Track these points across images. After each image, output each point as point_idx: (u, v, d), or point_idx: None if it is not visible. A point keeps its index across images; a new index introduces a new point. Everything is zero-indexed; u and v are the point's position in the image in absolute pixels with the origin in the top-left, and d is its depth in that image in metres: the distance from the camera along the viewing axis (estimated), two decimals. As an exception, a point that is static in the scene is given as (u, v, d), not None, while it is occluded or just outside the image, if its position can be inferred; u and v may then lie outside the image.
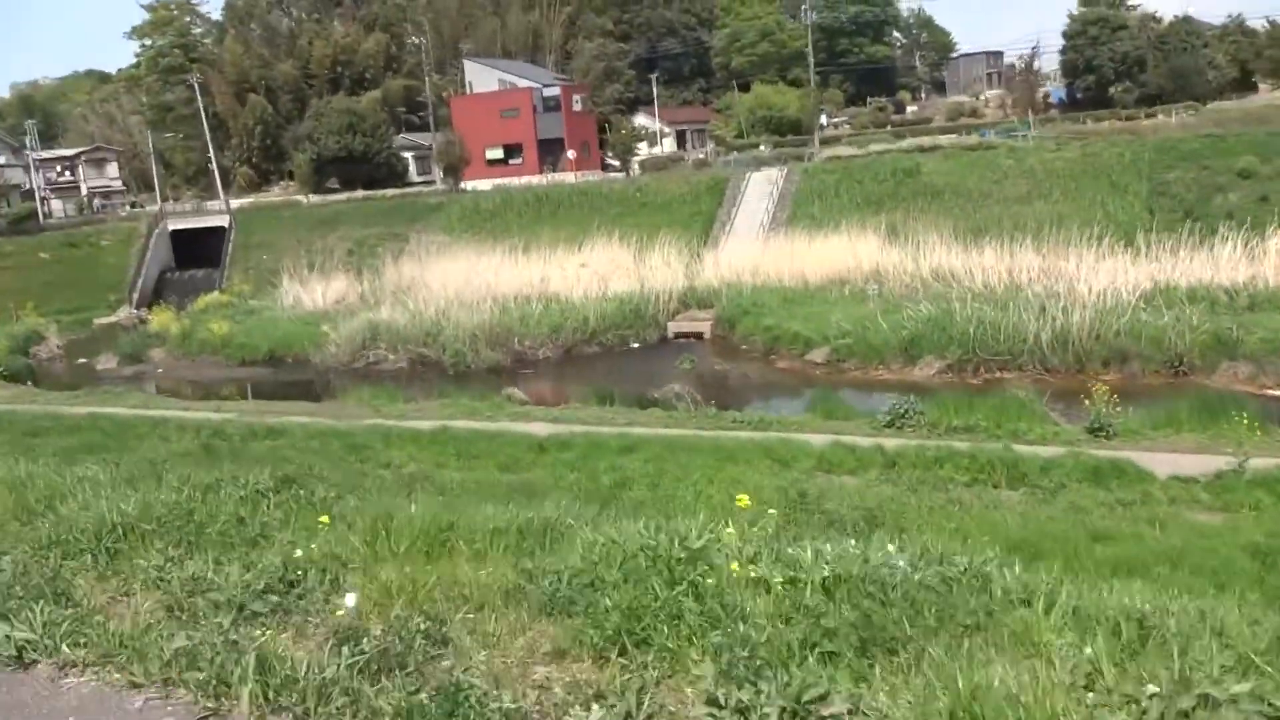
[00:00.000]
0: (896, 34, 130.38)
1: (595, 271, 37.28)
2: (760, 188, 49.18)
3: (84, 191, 74.21)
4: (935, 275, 33.59)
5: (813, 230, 42.07)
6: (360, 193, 58.59)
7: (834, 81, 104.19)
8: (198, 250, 59.55)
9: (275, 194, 69.48)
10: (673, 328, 32.56)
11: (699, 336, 31.93)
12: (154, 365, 36.83)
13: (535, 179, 58.50)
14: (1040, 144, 46.68)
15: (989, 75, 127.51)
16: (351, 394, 28.03)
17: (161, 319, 40.45)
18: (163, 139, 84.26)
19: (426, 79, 64.59)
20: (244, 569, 4.28)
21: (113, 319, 51.08)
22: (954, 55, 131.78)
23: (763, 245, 42.58)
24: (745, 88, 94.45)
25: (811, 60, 66.50)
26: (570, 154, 58.23)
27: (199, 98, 70.20)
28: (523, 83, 64.76)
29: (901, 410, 18.60)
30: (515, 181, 56.38)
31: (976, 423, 18.34)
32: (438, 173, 66.18)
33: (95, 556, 4.80)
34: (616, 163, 66.05)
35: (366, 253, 52.22)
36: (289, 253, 55.47)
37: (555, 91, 62.89)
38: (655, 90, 70.98)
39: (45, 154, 69.48)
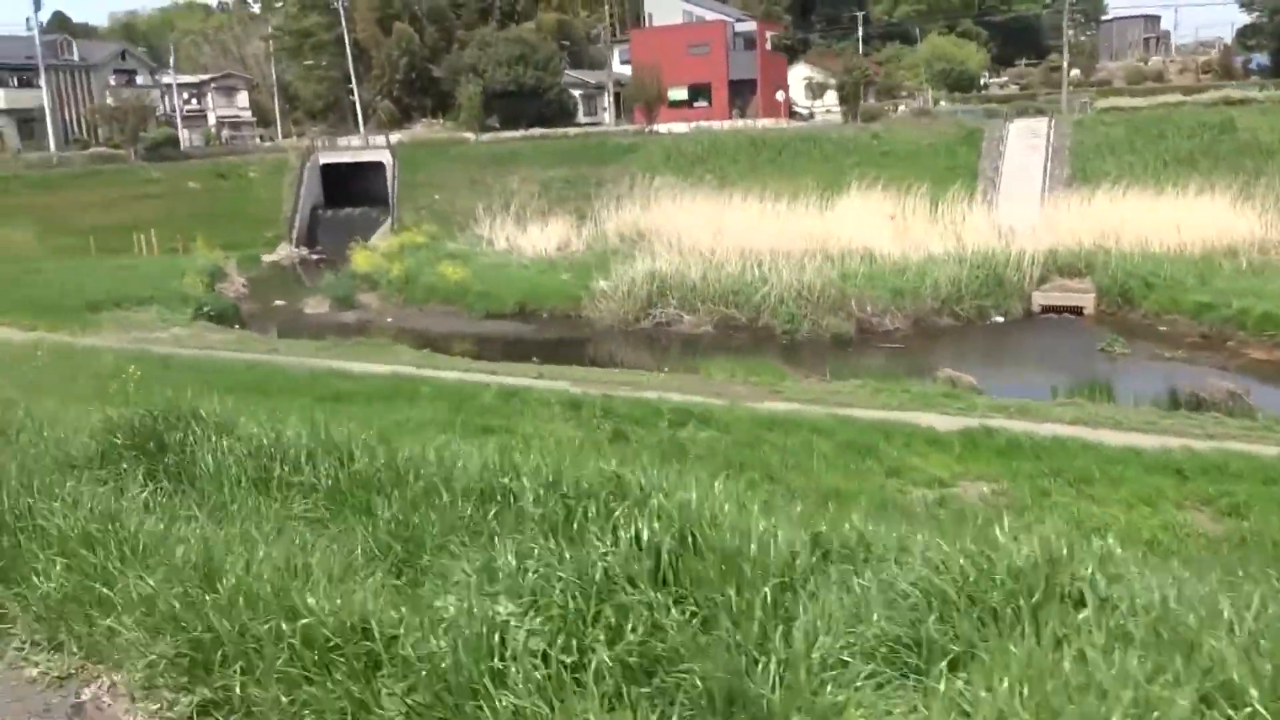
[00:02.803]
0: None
1: (900, 226, 31.09)
2: (1024, 140, 42.34)
3: (212, 121, 69.14)
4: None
5: (1113, 190, 35.35)
6: (537, 130, 52.57)
7: (979, 39, 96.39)
8: (349, 188, 54.20)
9: (419, 130, 63.73)
10: (1039, 299, 26.22)
11: (1076, 311, 25.59)
12: (372, 312, 31.31)
13: (726, 124, 52.11)
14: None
15: (1146, 40, 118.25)
16: (682, 361, 22.30)
17: (365, 259, 34.92)
18: (285, 71, 79.10)
19: (605, 7, 58.04)
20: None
21: (274, 257, 45.90)
22: (1107, 18, 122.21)
23: (1056, 205, 36.09)
24: (906, 40, 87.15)
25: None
26: (780, 95, 51.58)
27: (342, 23, 64.51)
28: (711, 16, 58.06)
29: None
30: (716, 125, 50.04)
31: None
32: (606, 115, 60.07)
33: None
34: (803, 110, 59.36)
35: (554, 196, 46.28)
36: (462, 193, 49.91)
37: (750, 27, 56.15)
38: (860, 30, 63.79)
39: (175, 79, 64.35)
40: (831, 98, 71.63)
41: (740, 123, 52.77)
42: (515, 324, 28.69)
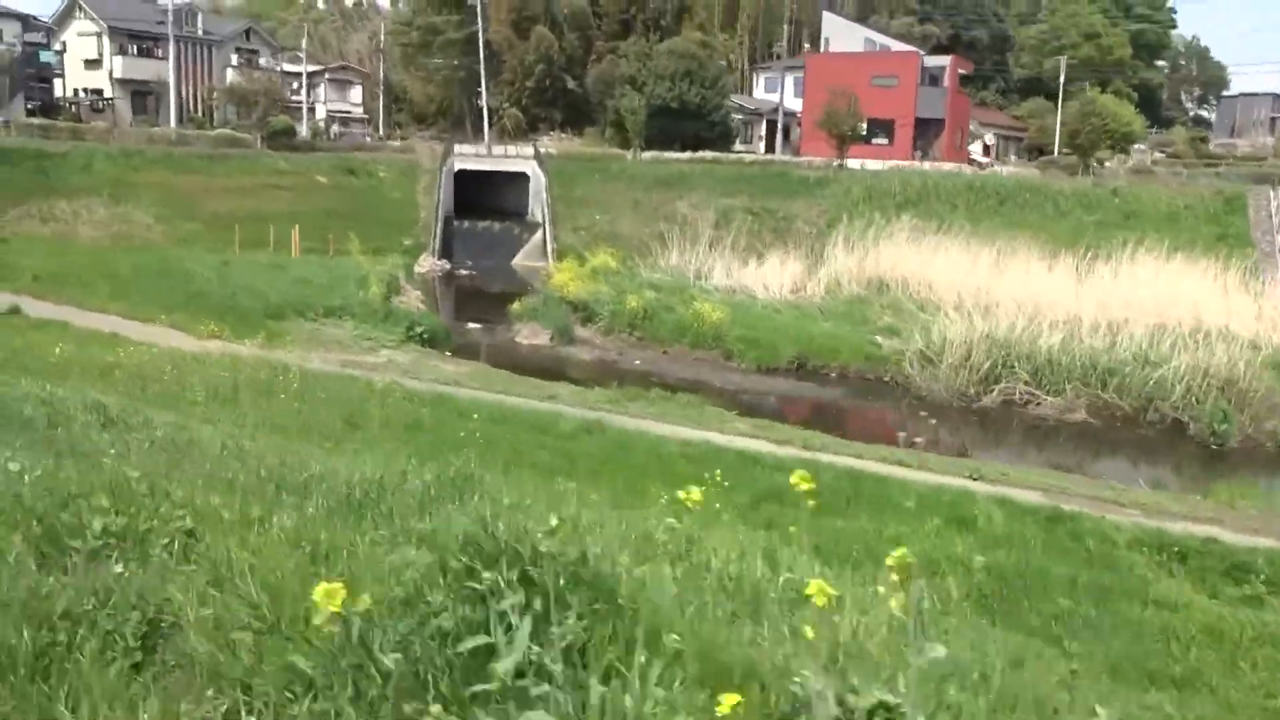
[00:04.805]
0: (1160, 62, 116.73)
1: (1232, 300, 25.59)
2: (1296, 210, 36.97)
3: (321, 114, 64.27)
4: None
5: None
6: (708, 154, 47.52)
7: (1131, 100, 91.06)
8: (481, 198, 49.16)
9: (545, 143, 58.79)
10: None
11: None
12: (604, 350, 25.82)
13: (908, 164, 46.88)
14: None
15: (1274, 120, 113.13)
16: (1074, 460, 16.80)
17: (576, 285, 29.42)
18: (392, 70, 74.58)
19: (785, 26, 53.08)
20: None
21: (421, 269, 40.67)
22: (1229, 94, 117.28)
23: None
24: (1049, 96, 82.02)
25: None
26: (988, 138, 46.29)
27: (478, 21, 59.81)
28: (897, 46, 53.02)
29: None
30: (920, 165, 44.80)
31: None
32: (757, 142, 55.02)
33: None
34: (983, 159, 54.09)
35: (738, 228, 40.96)
36: (625, 215, 44.78)
37: (943, 62, 50.97)
38: (1062, 75, 58.59)
39: (305, 66, 59.59)
40: (976, 148, 66.53)
41: (918, 165, 47.55)
42: (801, 383, 23.17)
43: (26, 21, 47.11)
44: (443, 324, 25.56)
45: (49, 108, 47.60)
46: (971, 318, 23.13)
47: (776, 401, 21.30)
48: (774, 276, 31.13)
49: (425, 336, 23.76)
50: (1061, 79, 56.70)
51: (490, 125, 61.80)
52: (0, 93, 43.30)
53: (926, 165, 46.82)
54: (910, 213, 39.67)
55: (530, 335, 26.25)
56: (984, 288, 28.53)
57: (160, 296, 25.41)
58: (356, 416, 14.51)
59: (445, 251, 45.48)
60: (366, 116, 68.13)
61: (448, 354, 23.68)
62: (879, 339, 24.78)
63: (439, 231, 44.99)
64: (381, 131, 67.09)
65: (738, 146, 54.72)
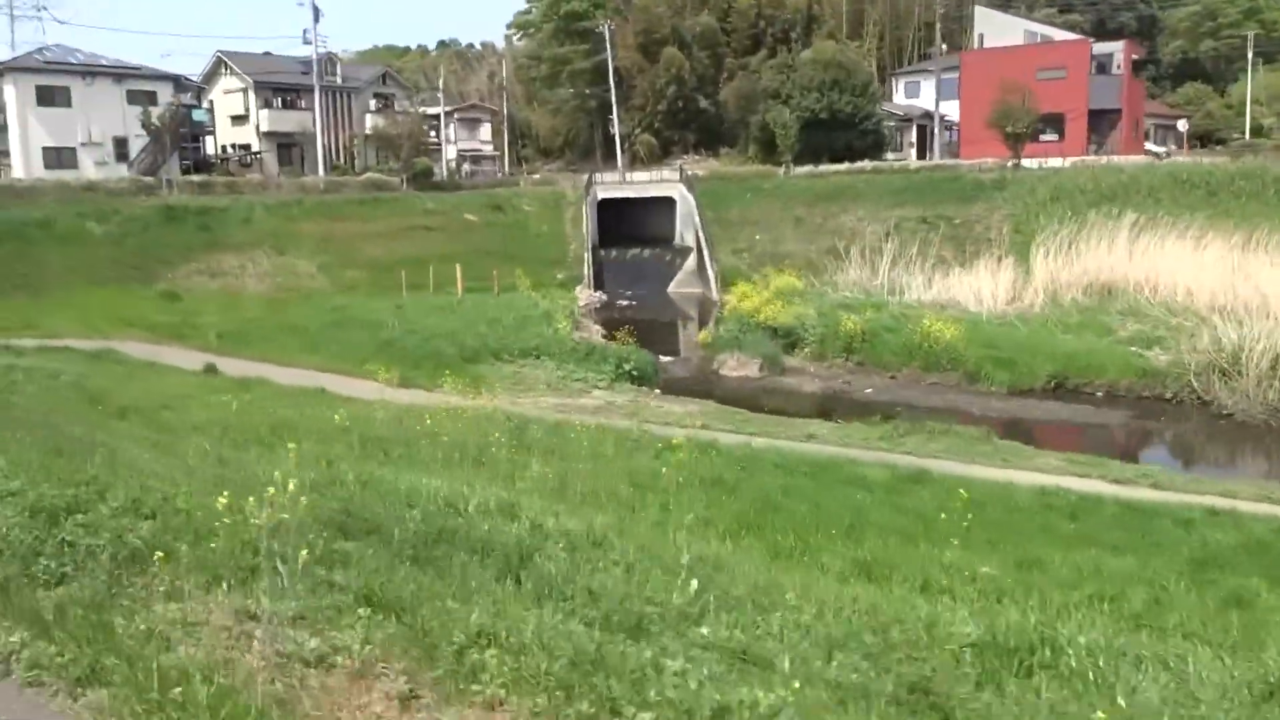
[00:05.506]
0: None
1: None
2: None
3: (452, 153, 64.01)
4: None
5: None
6: (867, 164, 44.97)
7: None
8: (623, 226, 47.51)
9: (686, 164, 56.99)
10: None
11: None
12: (821, 378, 23.46)
13: (1092, 159, 43.22)
14: None
15: None
16: None
17: (757, 304, 27.22)
18: (517, 106, 74.25)
19: (937, 26, 50.30)
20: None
21: (581, 301, 39.07)
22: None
23: None
24: (1205, 79, 76.40)
25: None
26: (1181, 125, 42.39)
27: (607, 49, 58.67)
28: (1060, 35, 49.56)
29: None
30: (1112, 159, 41.23)
31: None
32: (908, 149, 52.00)
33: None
34: (1159, 149, 49.87)
35: (913, 238, 38.23)
36: (787, 233, 42.48)
37: (1114, 48, 47.25)
38: (1250, 53, 54.04)
39: (443, 107, 59.65)
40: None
41: (1094, 160, 43.83)
42: (1070, 405, 20.35)
43: (178, 82, 47.87)
44: (650, 359, 23.57)
45: (200, 164, 48.18)
46: (1247, 322, 19.98)
47: (1057, 428, 18.59)
48: (986, 287, 28.25)
49: (635, 374, 21.83)
50: (1249, 55, 51.96)
51: (621, 152, 60.56)
52: (161, 152, 43.81)
53: (1107, 159, 43.16)
54: (1107, 208, 36.21)
55: (736, 366, 24.09)
56: (1234, 286, 25.16)
57: (350, 347, 24.25)
58: (635, 474, 12.51)
59: (598, 282, 43.94)
60: (496, 153, 67.74)
61: (656, 391, 21.74)
62: (1139, 350, 21.79)
63: (590, 262, 43.51)
64: (508, 168, 66.70)
65: (888, 154, 51.89)
